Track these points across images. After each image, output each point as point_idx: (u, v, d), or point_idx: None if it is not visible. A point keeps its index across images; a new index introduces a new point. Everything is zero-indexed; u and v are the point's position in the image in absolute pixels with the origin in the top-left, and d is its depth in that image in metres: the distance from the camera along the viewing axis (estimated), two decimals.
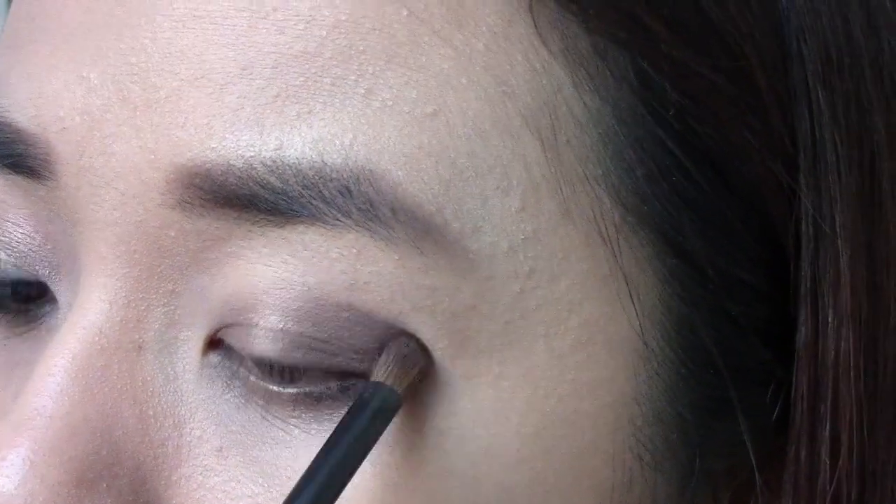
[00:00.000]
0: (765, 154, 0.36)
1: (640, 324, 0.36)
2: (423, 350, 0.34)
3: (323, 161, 0.33)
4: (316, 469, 0.33)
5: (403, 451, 0.34)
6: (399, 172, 0.33)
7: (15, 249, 0.37)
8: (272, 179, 0.33)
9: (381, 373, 0.34)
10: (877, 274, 0.37)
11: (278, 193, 0.33)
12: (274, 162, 0.33)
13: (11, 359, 0.38)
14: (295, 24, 0.34)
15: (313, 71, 0.34)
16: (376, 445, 0.34)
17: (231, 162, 0.34)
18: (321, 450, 0.33)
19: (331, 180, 0.33)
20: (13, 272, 0.38)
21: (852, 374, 0.37)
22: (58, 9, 0.36)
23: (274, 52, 0.34)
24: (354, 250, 0.33)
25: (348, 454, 0.33)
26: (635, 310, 0.36)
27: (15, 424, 0.35)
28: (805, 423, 0.37)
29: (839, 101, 0.37)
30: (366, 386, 0.34)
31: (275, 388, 0.35)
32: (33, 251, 0.37)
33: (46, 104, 0.36)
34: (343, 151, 0.33)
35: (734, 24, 0.36)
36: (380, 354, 0.34)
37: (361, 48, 0.34)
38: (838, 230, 0.37)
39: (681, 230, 0.36)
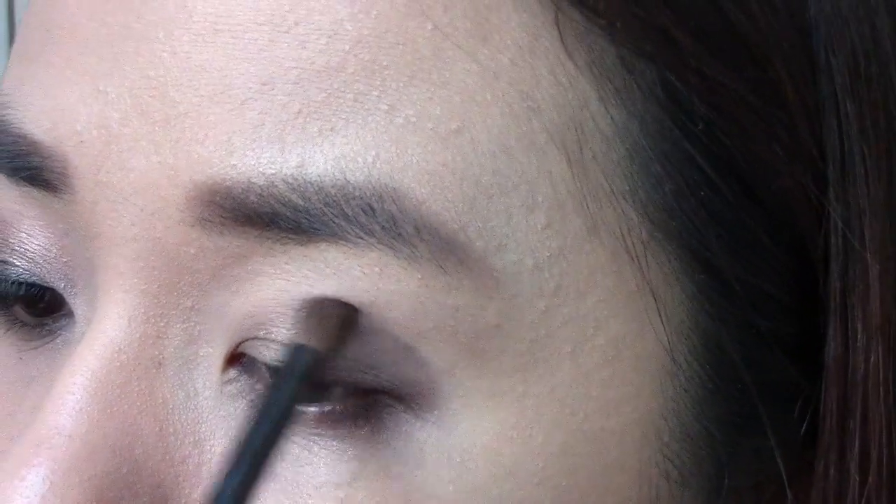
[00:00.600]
0: (793, 167, 0.36)
1: (668, 340, 0.35)
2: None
3: (346, 179, 0.33)
4: (247, 441, 0.32)
5: (426, 468, 0.34)
6: (422, 190, 0.33)
7: (30, 260, 0.37)
8: (294, 197, 0.33)
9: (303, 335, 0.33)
10: None
11: (300, 211, 0.33)
12: (296, 179, 0.33)
13: (27, 373, 0.38)
14: (317, 39, 0.33)
15: (336, 87, 0.33)
16: (397, 464, 0.34)
17: (252, 179, 0.33)
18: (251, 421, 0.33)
19: (353, 198, 0.33)
20: (28, 284, 0.37)
21: (882, 389, 0.37)
22: (72, 20, 0.36)
23: (296, 68, 0.33)
24: (377, 269, 0.33)
25: (273, 421, 0.32)
26: (663, 326, 0.35)
27: (34, 444, 0.34)
28: (834, 438, 0.37)
29: (867, 111, 0.36)
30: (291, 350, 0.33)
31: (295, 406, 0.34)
32: (49, 263, 0.37)
33: (63, 117, 0.35)
34: (366, 169, 0.33)
35: (762, 36, 0.35)
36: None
37: (385, 63, 0.33)
38: (867, 244, 0.36)
39: (708, 245, 0.35)
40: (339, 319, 0.33)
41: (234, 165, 0.33)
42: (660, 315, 0.35)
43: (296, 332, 0.33)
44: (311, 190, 0.33)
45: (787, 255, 0.36)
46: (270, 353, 0.34)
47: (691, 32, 0.34)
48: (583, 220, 0.34)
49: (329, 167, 0.33)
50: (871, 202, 0.36)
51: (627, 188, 0.34)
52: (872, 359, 0.36)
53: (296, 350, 0.33)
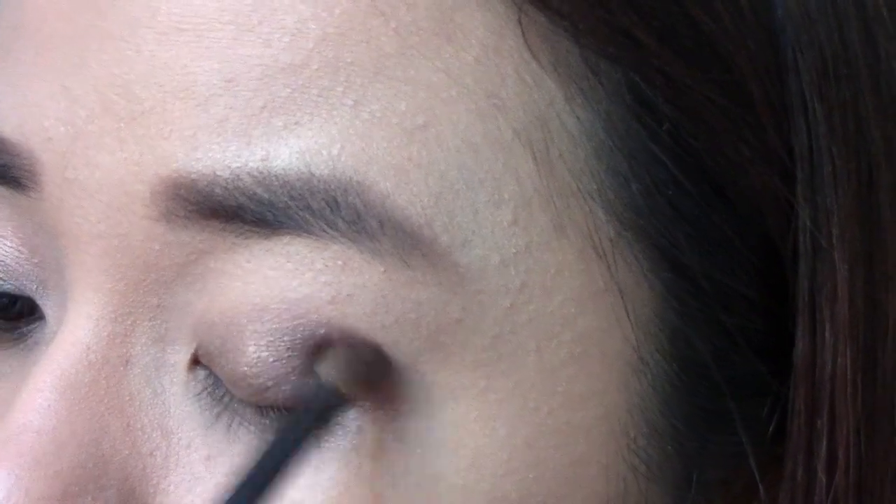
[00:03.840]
0: (761, 167, 0.36)
1: (635, 337, 0.35)
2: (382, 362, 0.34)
3: (310, 172, 0.33)
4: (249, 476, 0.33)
5: (385, 459, 0.34)
6: (387, 184, 0.33)
7: (3, 263, 0.37)
8: (259, 190, 0.33)
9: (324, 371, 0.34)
10: (875, 288, 0.37)
11: (265, 205, 0.33)
12: (261, 172, 0.33)
13: None
14: (281, 37, 0.33)
15: (300, 83, 0.33)
16: (357, 456, 0.34)
17: (217, 172, 0.33)
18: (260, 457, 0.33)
19: (318, 191, 0.33)
20: (1, 297, 0.37)
21: (849, 389, 0.37)
22: (39, 18, 0.36)
23: (260, 65, 0.33)
24: (340, 262, 0.33)
25: (277, 461, 0.33)
26: (630, 324, 0.35)
27: (2, 440, 0.35)
28: (802, 438, 0.37)
29: (836, 112, 0.37)
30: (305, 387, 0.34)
31: (253, 413, 0.35)
32: (20, 265, 0.37)
33: (30, 114, 0.35)
34: (331, 162, 0.33)
35: (728, 36, 0.35)
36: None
37: (349, 60, 0.33)
38: (835, 243, 0.36)
39: (677, 244, 0.35)
40: (370, 367, 0.34)
41: (199, 159, 0.33)
42: (627, 313, 0.35)
43: (326, 365, 0.34)
44: (276, 183, 0.33)
45: (757, 254, 0.37)
46: (227, 374, 0.35)
47: (655, 33, 0.34)
48: (549, 217, 0.34)
49: (294, 160, 0.33)
50: (839, 202, 0.36)
51: (594, 187, 0.34)
52: (840, 360, 0.36)
53: (317, 388, 0.33)
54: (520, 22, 0.34)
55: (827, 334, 0.36)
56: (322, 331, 0.33)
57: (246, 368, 0.34)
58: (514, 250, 0.34)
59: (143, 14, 0.34)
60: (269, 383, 0.34)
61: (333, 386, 0.33)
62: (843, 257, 0.36)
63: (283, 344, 0.34)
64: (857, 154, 0.37)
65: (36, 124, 0.35)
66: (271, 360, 0.34)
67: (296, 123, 0.33)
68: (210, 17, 0.34)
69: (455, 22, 0.34)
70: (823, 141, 0.36)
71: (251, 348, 0.34)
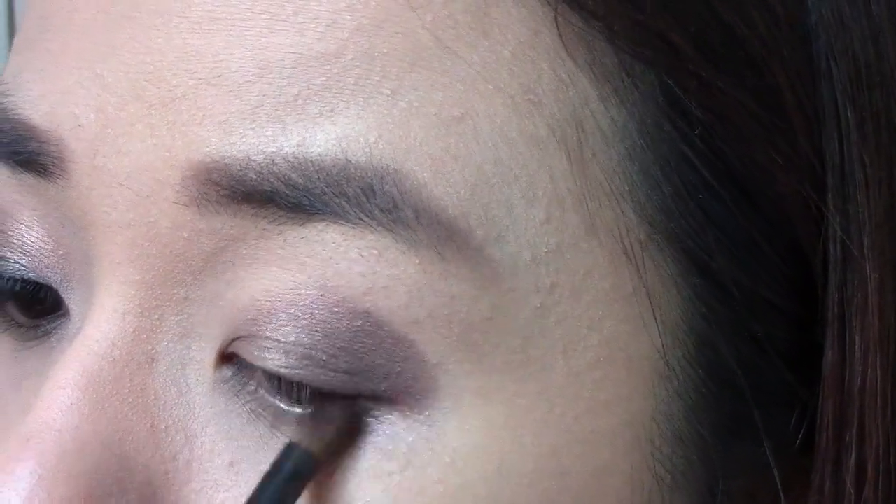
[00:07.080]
0: (792, 174, 0.36)
1: (661, 343, 0.35)
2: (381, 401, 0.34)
3: (347, 158, 0.33)
4: None
5: (415, 468, 0.34)
6: (425, 174, 0.33)
7: (28, 254, 0.37)
8: (294, 176, 0.33)
9: (308, 437, 0.33)
10: None
11: (300, 190, 0.33)
12: (296, 158, 0.33)
13: (22, 370, 0.38)
14: (315, 27, 0.33)
15: (335, 71, 0.33)
16: (386, 464, 0.33)
17: (251, 157, 0.33)
18: None
19: (354, 178, 0.33)
20: (24, 281, 0.37)
21: (879, 401, 0.36)
22: (70, 8, 0.36)
23: (293, 53, 0.33)
24: (375, 252, 0.33)
25: None
26: (657, 329, 0.35)
27: (24, 438, 0.34)
28: (830, 450, 0.36)
29: (869, 120, 0.36)
30: (282, 448, 0.33)
31: (283, 406, 0.34)
32: (46, 256, 0.37)
33: (60, 101, 0.35)
34: (367, 149, 0.33)
35: (762, 42, 0.35)
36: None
37: (385, 50, 0.33)
38: (866, 253, 0.36)
39: (707, 249, 0.35)
40: (341, 429, 0.33)
41: (233, 143, 0.33)
42: (654, 318, 0.35)
43: (294, 430, 0.33)
44: (312, 169, 0.33)
45: (786, 262, 0.36)
46: (263, 355, 0.34)
47: (690, 38, 0.34)
48: (581, 217, 0.34)
49: (330, 146, 0.33)
50: (871, 211, 0.36)
51: (626, 188, 0.34)
52: (870, 371, 0.36)
53: (287, 449, 0.33)
54: (555, 21, 0.34)
55: (857, 345, 0.36)
56: (359, 322, 0.33)
57: (282, 356, 0.33)
58: (545, 249, 0.34)
59: (176, 5, 0.34)
60: (306, 372, 0.33)
61: (307, 451, 0.33)
62: (874, 267, 0.36)
63: (321, 329, 0.33)
64: (889, 163, 0.37)
65: (66, 111, 0.35)
66: (309, 343, 0.33)
67: (331, 111, 0.33)
68: (243, 8, 0.34)
69: (491, 17, 0.33)
70: (855, 149, 0.36)
71: (286, 329, 0.33)
